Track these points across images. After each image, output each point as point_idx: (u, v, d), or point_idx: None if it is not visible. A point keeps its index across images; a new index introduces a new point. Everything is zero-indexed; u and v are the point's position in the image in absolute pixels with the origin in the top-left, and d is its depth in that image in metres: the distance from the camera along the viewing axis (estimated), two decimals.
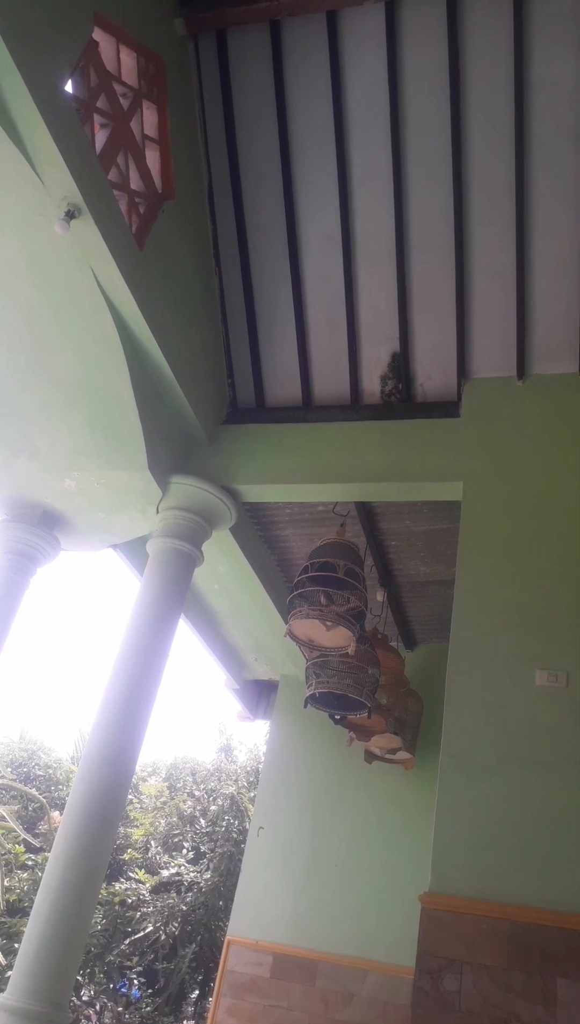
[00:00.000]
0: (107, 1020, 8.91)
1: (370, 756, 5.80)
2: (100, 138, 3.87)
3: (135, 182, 4.16)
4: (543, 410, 4.56)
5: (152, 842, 10.64)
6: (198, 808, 11.15)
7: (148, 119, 4.27)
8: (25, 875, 9.69)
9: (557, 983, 2.83)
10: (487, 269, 4.64)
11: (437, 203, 4.55)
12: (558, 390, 4.61)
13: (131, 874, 9.89)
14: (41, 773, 12.76)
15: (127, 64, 4.07)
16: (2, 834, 9.80)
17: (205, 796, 11.51)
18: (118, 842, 10.17)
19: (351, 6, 4.19)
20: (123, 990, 9.27)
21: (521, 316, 4.62)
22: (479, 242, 4.59)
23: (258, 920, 5.76)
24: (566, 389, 4.61)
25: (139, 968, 9.12)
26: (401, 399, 4.94)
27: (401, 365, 4.92)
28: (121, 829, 10.24)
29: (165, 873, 9.94)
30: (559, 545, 3.98)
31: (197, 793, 11.63)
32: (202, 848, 10.48)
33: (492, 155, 4.39)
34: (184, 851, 10.51)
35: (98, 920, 9.08)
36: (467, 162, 4.43)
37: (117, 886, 9.58)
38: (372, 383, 5.01)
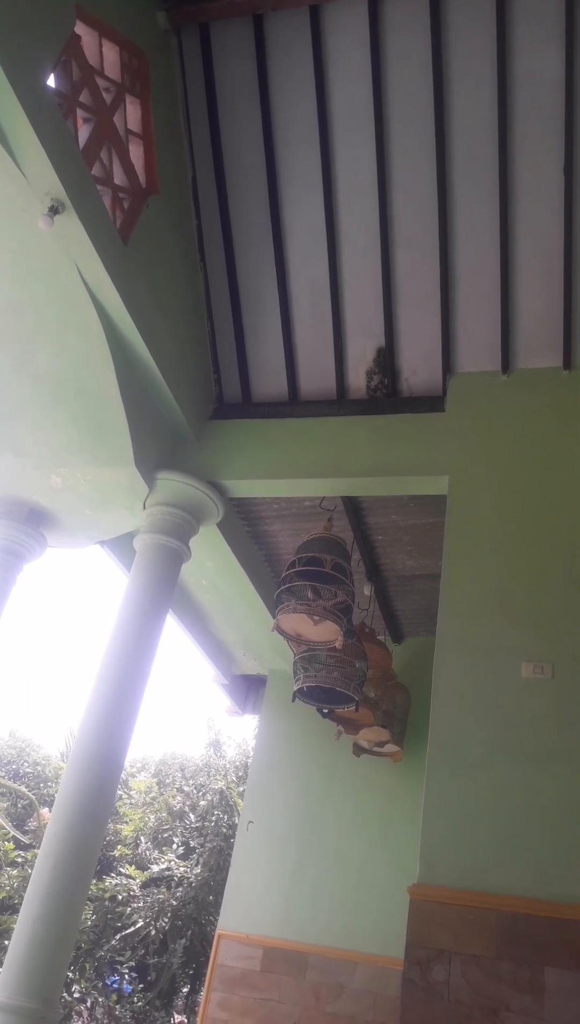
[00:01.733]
0: (98, 1016, 8.92)
1: (358, 749, 5.83)
2: (83, 133, 3.85)
3: (119, 177, 4.15)
4: (528, 404, 4.58)
5: (142, 838, 10.64)
6: (187, 803, 11.16)
7: (131, 113, 4.25)
8: (14, 872, 9.68)
9: (545, 972, 2.86)
10: (471, 264, 4.65)
11: (421, 198, 4.56)
12: (542, 384, 4.64)
13: (121, 870, 9.89)
14: (30, 770, 12.73)
15: (110, 58, 4.05)
16: None
17: (194, 791, 11.52)
18: (108, 838, 10.17)
19: (333, 0, 4.18)
20: (114, 985, 9.29)
21: (505, 310, 4.64)
22: (463, 237, 4.60)
23: (248, 914, 5.78)
24: (550, 383, 4.63)
25: (130, 963, 9.13)
26: (387, 394, 4.95)
27: (386, 360, 4.92)
28: (110, 825, 10.24)
29: (155, 868, 9.95)
30: (544, 537, 4.01)
31: (186, 788, 11.63)
32: (192, 843, 10.49)
33: (476, 149, 4.40)
34: (174, 846, 10.51)
35: (88, 916, 9.09)
36: (451, 157, 4.43)
37: (107, 882, 9.59)
38: (358, 378, 5.02)
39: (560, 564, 3.89)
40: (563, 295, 4.53)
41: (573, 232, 4.41)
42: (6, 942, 6.38)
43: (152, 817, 10.92)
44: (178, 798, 11.28)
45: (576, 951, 2.86)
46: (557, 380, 4.63)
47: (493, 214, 4.48)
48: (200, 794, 11.39)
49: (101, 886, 9.45)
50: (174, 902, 9.45)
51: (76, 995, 8.90)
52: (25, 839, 10.12)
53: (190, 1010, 9.53)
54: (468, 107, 4.32)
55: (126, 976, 9.29)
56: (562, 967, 2.85)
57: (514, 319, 4.68)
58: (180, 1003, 9.62)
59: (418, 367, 4.91)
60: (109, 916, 9.35)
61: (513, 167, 4.37)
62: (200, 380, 5.08)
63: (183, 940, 9.29)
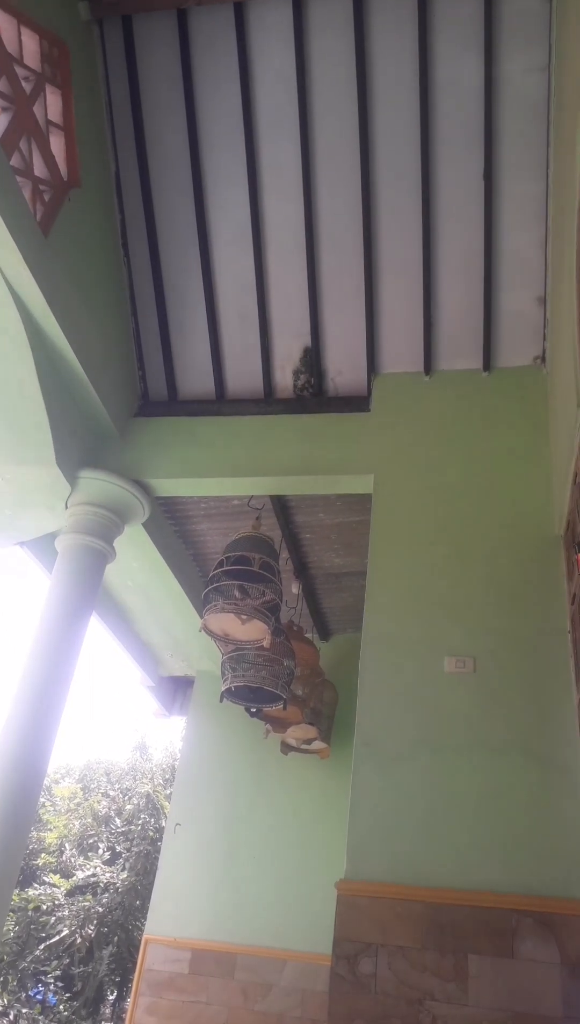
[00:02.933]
0: None
1: (286, 747, 5.84)
2: (1, 122, 3.74)
3: (39, 168, 4.05)
4: (448, 404, 4.68)
5: (66, 845, 10.44)
6: (113, 808, 11.00)
7: (52, 104, 4.15)
8: None
9: (468, 959, 2.92)
10: (394, 266, 4.72)
11: (345, 199, 4.60)
12: (462, 385, 4.75)
13: (45, 879, 9.68)
14: None
15: (29, 47, 3.94)
16: None
17: (120, 796, 11.36)
18: (31, 847, 9.93)
19: None
20: (38, 997, 9.07)
21: (427, 313, 4.73)
22: (386, 239, 4.67)
23: (176, 917, 5.73)
24: (470, 384, 4.74)
25: (56, 973, 8.94)
26: (313, 393, 4.98)
27: (313, 360, 4.95)
28: (34, 833, 10.00)
29: (80, 875, 9.77)
30: (465, 534, 4.10)
31: (112, 793, 11.46)
32: (118, 848, 10.35)
33: (398, 154, 4.46)
34: (100, 852, 10.34)
35: (10, 928, 8.86)
36: (374, 160, 4.49)
37: (30, 892, 9.36)
38: (285, 377, 5.03)
39: (479, 560, 3.98)
40: (483, 299, 4.64)
41: (493, 237, 4.53)
42: None
43: (77, 823, 10.72)
44: (103, 803, 11.10)
45: (496, 938, 2.93)
46: (477, 381, 4.75)
47: (416, 217, 4.56)
48: (126, 798, 11.25)
49: (24, 896, 9.22)
50: (100, 909, 9.30)
51: None
52: None
53: (117, 1017, 9.39)
54: (391, 111, 4.38)
55: (51, 986, 9.08)
56: (483, 954, 2.92)
57: (436, 322, 4.78)
58: (107, 1011, 9.46)
59: (344, 367, 4.96)
60: (33, 926, 9.14)
61: (435, 171, 4.45)
62: (124, 377, 5.00)
63: (110, 947, 9.15)
